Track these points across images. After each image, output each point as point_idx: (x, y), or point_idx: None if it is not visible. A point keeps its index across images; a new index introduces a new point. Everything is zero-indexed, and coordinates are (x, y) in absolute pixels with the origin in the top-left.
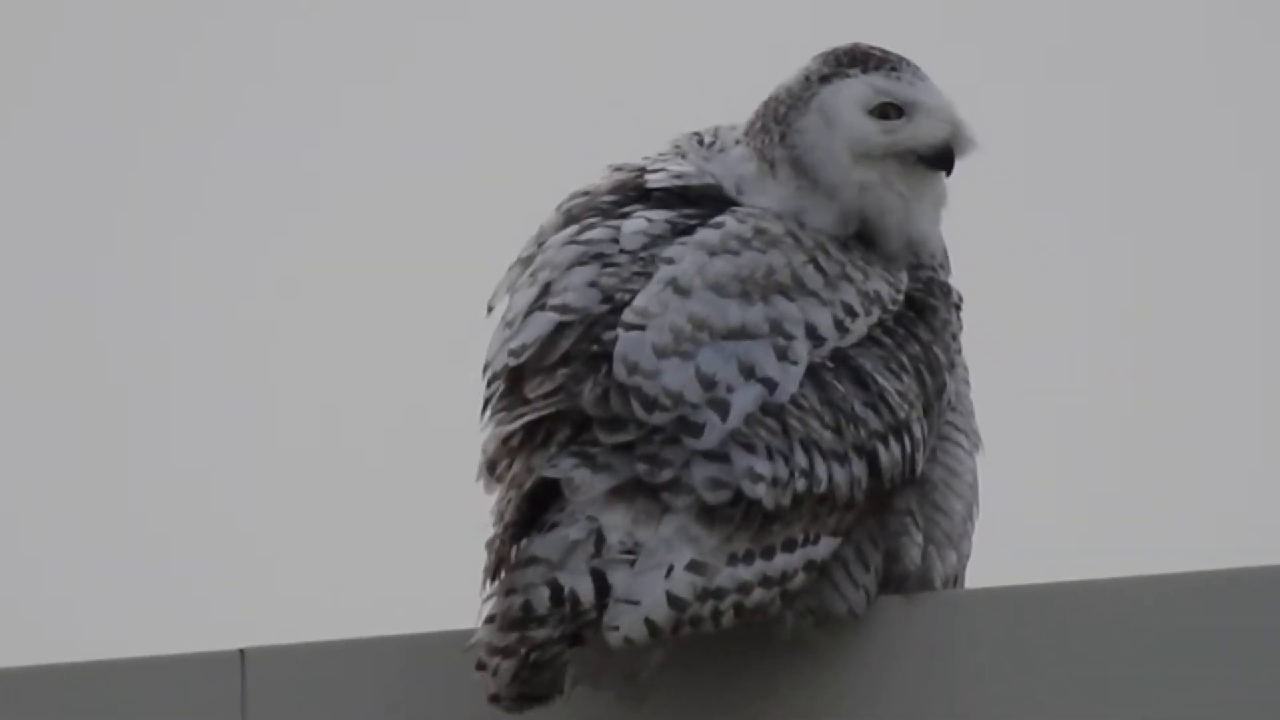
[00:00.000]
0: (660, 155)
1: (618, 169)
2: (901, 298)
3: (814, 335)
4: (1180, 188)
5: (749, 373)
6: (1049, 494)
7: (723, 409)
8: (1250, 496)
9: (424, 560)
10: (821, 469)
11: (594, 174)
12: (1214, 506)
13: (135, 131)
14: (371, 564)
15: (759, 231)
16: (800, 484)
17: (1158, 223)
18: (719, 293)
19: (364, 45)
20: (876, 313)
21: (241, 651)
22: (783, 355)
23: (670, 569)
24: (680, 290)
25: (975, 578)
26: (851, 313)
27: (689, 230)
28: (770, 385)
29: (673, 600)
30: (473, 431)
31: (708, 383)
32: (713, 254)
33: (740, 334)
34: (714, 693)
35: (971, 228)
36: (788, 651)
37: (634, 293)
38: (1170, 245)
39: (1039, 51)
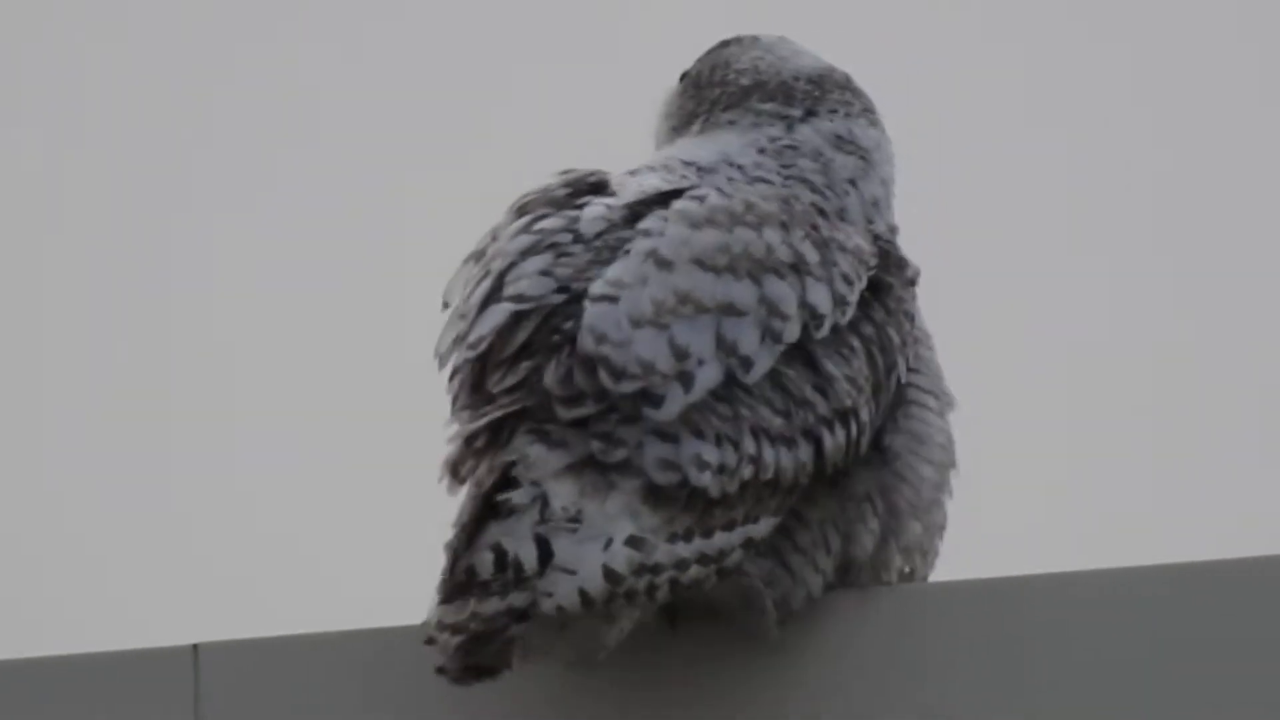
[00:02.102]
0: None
1: (567, 172)
2: (875, 250)
3: (814, 315)
4: (1193, 168)
5: (730, 350)
6: (1015, 486)
7: (688, 381)
8: (1208, 489)
9: (379, 554)
10: (769, 455)
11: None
12: (1176, 499)
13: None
14: (326, 558)
15: (749, 206)
16: (747, 471)
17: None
18: (704, 267)
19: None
20: (864, 274)
21: (195, 646)
22: (775, 337)
23: (609, 542)
24: (662, 263)
25: (946, 570)
26: (848, 281)
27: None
28: (746, 364)
29: (608, 573)
30: (424, 423)
31: (681, 354)
32: (696, 226)
33: (729, 310)
34: (669, 686)
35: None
36: (745, 644)
37: (587, 282)
38: (1180, 228)
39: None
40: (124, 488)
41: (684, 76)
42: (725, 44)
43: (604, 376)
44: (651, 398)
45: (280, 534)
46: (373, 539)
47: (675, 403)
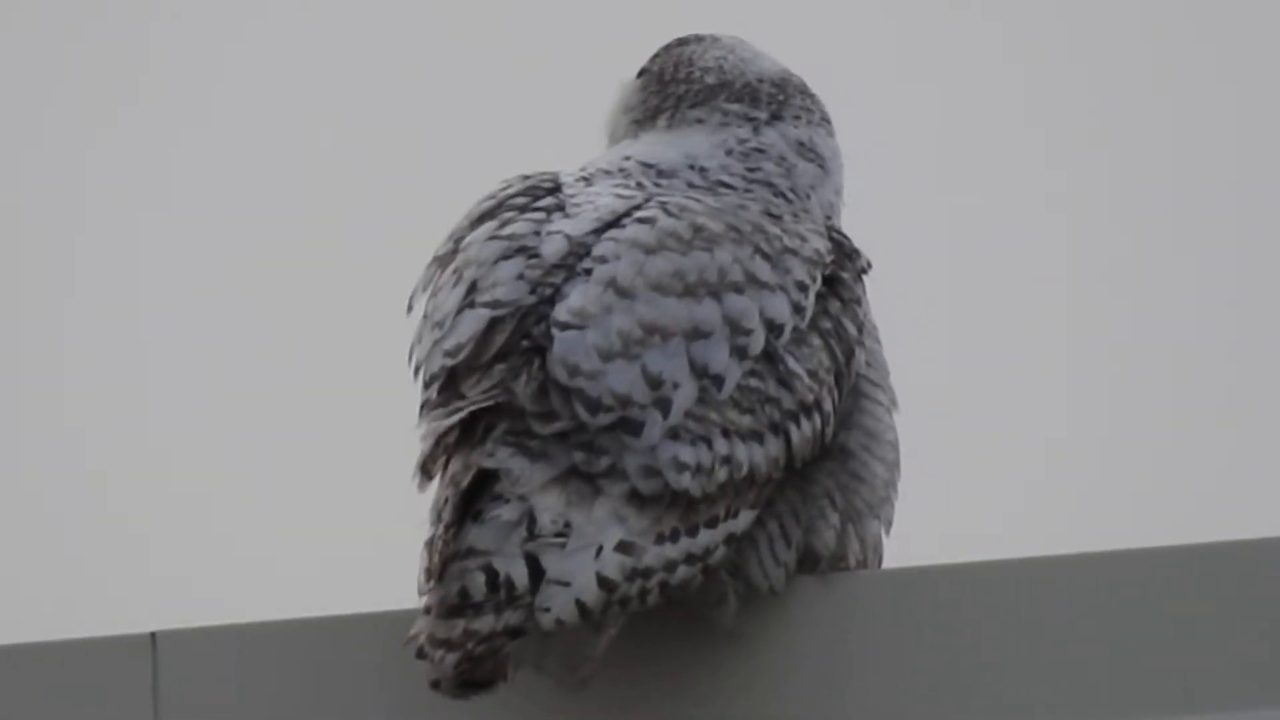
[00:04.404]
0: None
1: (521, 178)
2: (829, 245)
3: (773, 327)
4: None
5: (701, 372)
6: (978, 471)
7: (665, 406)
8: (1171, 476)
9: (339, 543)
10: (742, 453)
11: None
12: (1137, 485)
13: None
14: (286, 546)
15: (697, 229)
16: (722, 473)
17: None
18: (664, 293)
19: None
20: (819, 275)
21: (153, 635)
22: (742, 353)
23: (600, 550)
24: (622, 292)
25: (901, 555)
26: (803, 288)
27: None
28: (718, 382)
29: (602, 581)
30: (383, 410)
31: (655, 383)
32: (650, 252)
33: (696, 333)
34: (627, 669)
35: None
36: (703, 629)
37: (556, 285)
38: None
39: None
40: (77, 472)
41: (642, 72)
42: (684, 41)
43: (580, 410)
44: (631, 425)
45: (240, 519)
46: (336, 526)
47: (655, 429)
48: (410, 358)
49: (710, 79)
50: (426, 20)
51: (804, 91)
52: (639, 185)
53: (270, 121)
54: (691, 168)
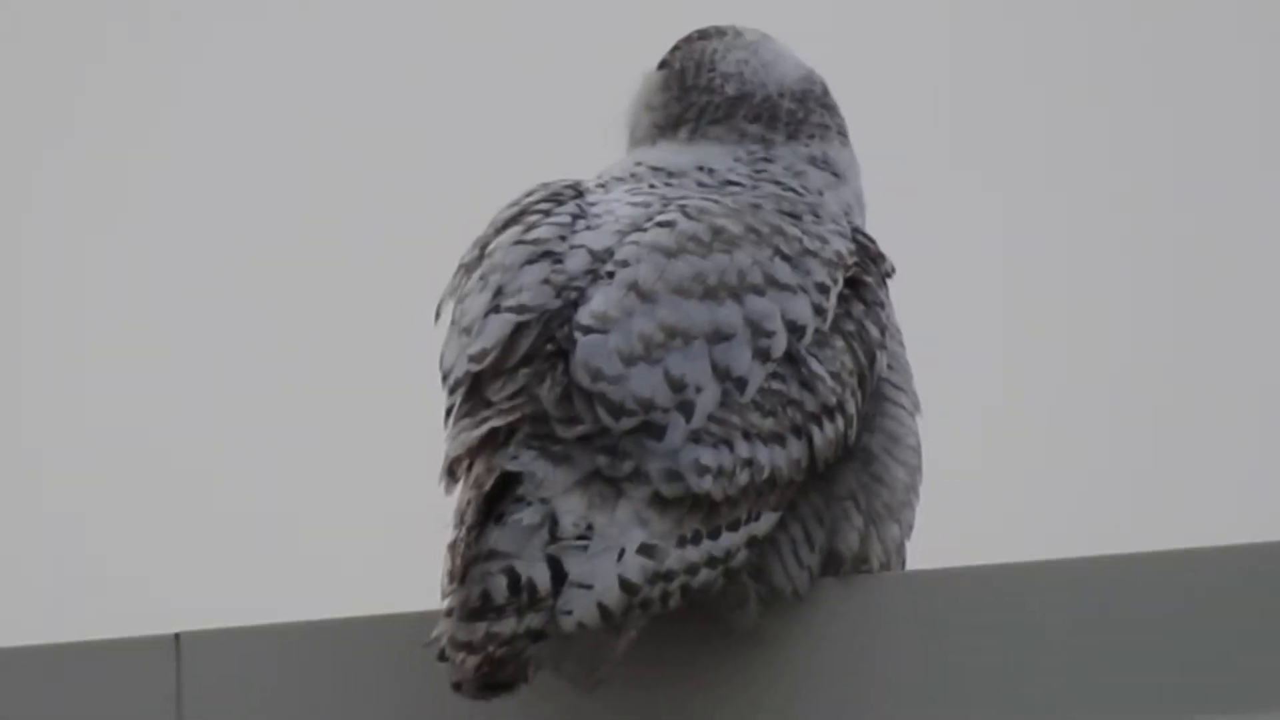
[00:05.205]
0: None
1: (543, 185)
2: (853, 246)
3: (794, 328)
4: (1117, 155)
5: (724, 375)
6: (983, 471)
7: (688, 410)
8: (1179, 476)
9: (360, 543)
10: (763, 456)
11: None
12: (1144, 487)
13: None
14: (308, 548)
15: (717, 231)
16: (744, 476)
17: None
18: (685, 296)
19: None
20: (840, 277)
21: (176, 636)
22: (764, 356)
23: (622, 552)
24: (644, 295)
25: (918, 555)
26: (824, 290)
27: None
28: (741, 385)
29: (624, 584)
30: (385, 409)
31: (678, 386)
32: (670, 255)
33: (717, 336)
34: (658, 680)
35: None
36: (724, 630)
37: (580, 289)
38: (1102, 213)
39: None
40: (100, 476)
41: (663, 65)
42: (705, 35)
43: (603, 414)
44: (654, 430)
45: (262, 521)
46: (357, 526)
47: (677, 432)
48: (440, 364)
49: (731, 89)
50: (426, 20)
51: (824, 104)
52: (650, 186)
53: (270, 121)
54: (700, 169)
